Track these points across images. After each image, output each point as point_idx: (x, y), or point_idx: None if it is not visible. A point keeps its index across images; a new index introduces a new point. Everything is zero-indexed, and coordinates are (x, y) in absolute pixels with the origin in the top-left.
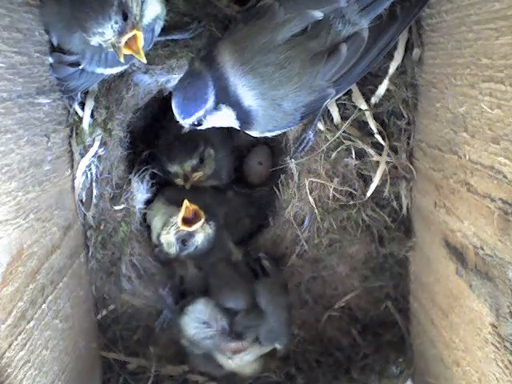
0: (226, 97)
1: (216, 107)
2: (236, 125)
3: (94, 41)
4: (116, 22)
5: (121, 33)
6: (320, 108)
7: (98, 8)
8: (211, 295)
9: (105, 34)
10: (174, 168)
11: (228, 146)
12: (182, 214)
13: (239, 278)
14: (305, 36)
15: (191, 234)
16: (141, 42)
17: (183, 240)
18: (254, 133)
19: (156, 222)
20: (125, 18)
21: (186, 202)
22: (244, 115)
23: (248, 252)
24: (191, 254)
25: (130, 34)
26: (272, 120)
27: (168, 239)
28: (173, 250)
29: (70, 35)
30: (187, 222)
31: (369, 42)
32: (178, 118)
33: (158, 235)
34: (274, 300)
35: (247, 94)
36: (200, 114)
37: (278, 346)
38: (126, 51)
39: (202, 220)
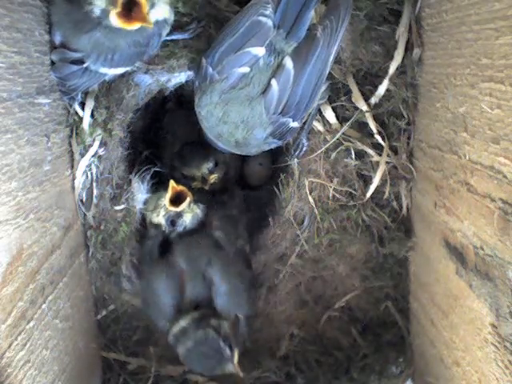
0: None
1: None
2: None
3: (96, 9)
4: None
5: None
6: (290, 130)
7: None
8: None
9: None
10: (191, 171)
11: None
12: (168, 194)
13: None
14: (236, 89)
15: (179, 215)
16: (145, 8)
17: (172, 221)
18: None
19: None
20: None
21: (171, 182)
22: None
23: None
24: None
25: None
26: (249, 150)
27: (158, 221)
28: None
29: (79, 35)
30: (175, 202)
31: (296, 71)
32: None
33: (150, 220)
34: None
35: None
36: None
37: (239, 315)
38: (133, 25)
39: (189, 199)
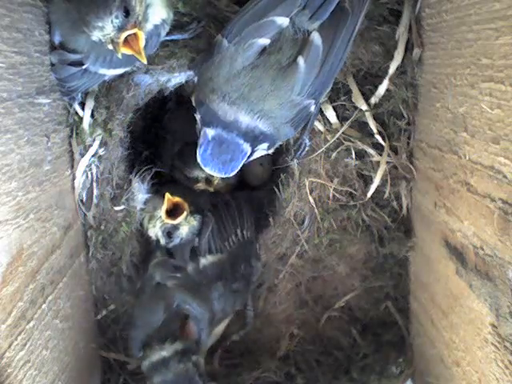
0: (254, 138)
1: (254, 149)
2: (266, 151)
3: (95, 36)
4: (117, 17)
5: (121, 29)
6: (307, 116)
7: (100, 2)
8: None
9: (104, 28)
10: (194, 173)
11: None
12: (164, 206)
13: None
14: (266, 52)
15: (176, 227)
16: (142, 42)
17: (168, 232)
18: (271, 150)
19: (145, 219)
20: (126, 14)
21: (167, 195)
22: (271, 140)
23: None
24: (177, 246)
25: (130, 32)
26: (278, 132)
27: (155, 233)
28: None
29: (77, 35)
30: (171, 214)
31: (325, 47)
32: (222, 175)
33: (146, 230)
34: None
35: (259, 122)
36: (243, 162)
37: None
38: (127, 51)
39: (185, 212)
